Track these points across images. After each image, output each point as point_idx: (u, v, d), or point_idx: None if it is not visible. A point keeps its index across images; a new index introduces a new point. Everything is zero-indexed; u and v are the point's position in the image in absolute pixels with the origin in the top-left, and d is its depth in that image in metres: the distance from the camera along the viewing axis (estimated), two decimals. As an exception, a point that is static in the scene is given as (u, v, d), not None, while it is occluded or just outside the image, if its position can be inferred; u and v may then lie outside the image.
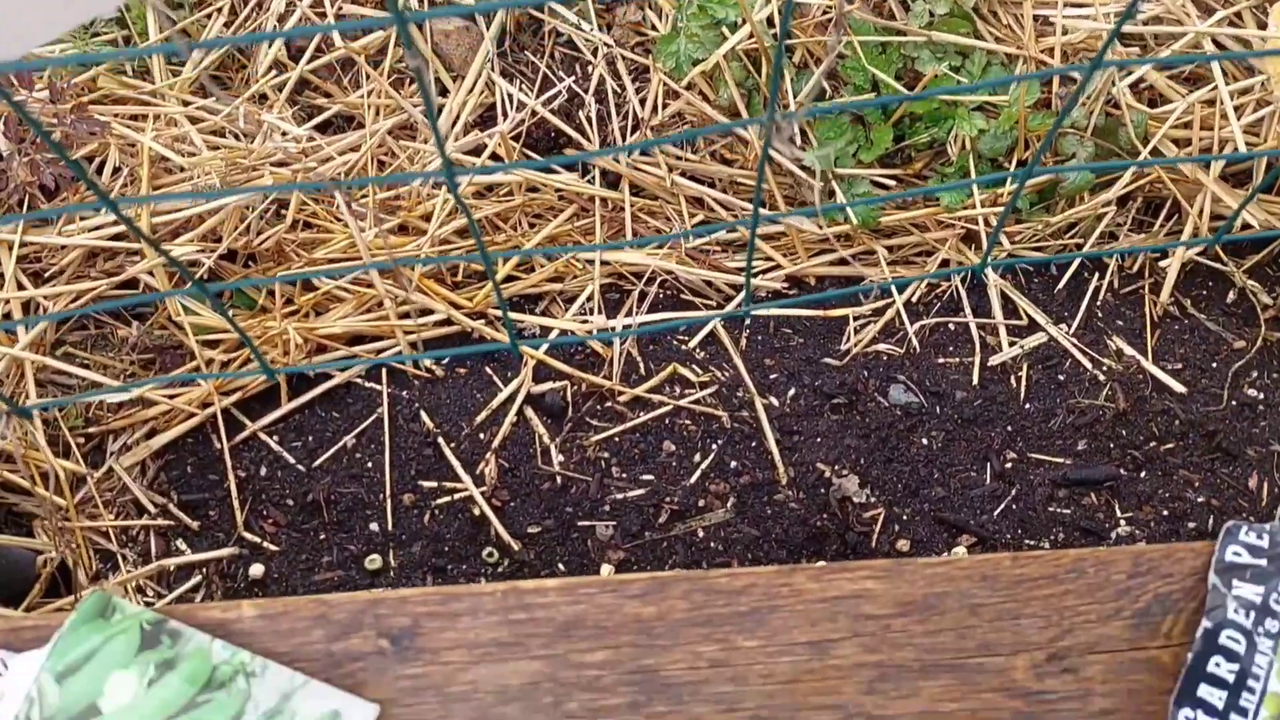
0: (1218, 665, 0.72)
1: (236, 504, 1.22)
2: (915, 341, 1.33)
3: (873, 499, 1.23)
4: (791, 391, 1.31)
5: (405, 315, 1.34)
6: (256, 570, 1.19)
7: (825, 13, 1.40)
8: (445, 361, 1.34)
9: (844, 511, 1.21)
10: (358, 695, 0.73)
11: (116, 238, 1.29)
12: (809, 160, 1.34)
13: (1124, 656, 0.76)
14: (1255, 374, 1.30)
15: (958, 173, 1.36)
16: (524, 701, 0.74)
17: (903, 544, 1.20)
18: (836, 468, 1.25)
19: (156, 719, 0.70)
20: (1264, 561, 0.76)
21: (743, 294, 1.38)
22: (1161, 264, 1.38)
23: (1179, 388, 1.28)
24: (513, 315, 1.37)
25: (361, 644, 0.75)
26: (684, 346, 1.36)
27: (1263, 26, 1.38)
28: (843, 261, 1.42)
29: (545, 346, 1.33)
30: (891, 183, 1.39)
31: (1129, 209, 1.41)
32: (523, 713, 0.74)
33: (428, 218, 1.39)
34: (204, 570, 1.19)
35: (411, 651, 0.75)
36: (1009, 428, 1.28)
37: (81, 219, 1.29)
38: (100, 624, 0.73)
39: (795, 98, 1.40)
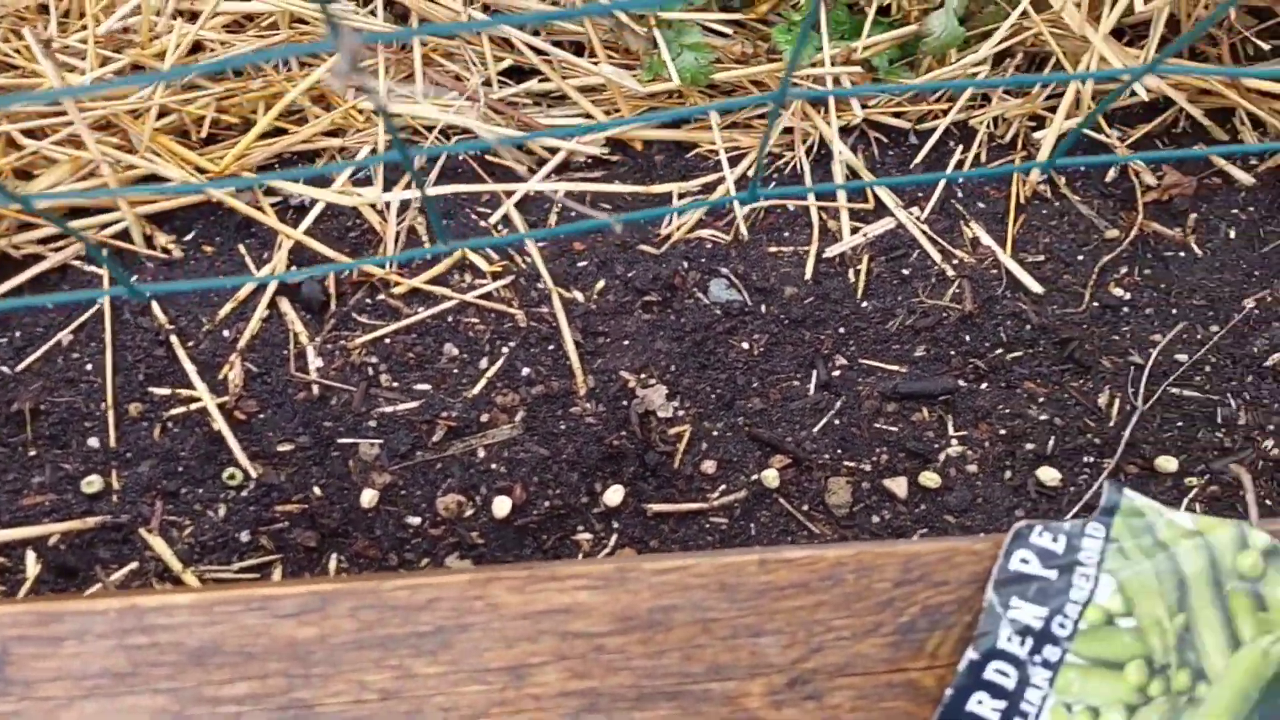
0: (980, 703, 0.61)
1: (-71, 413, 1.03)
2: (744, 227, 1.16)
3: (681, 412, 1.09)
4: (600, 284, 1.14)
5: (137, 182, 1.12)
6: (-46, 492, 1.02)
7: None
8: (190, 237, 1.14)
9: (645, 428, 1.07)
10: (-77, 744, 0.58)
11: None
12: None
13: (879, 680, 0.64)
14: (1125, 269, 1.16)
15: (806, 20, 1.14)
16: (144, 744, 0.60)
17: (709, 465, 1.07)
18: (643, 376, 1.10)
19: None
20: (1053, 574, 0.64)
21: (544, 171, 1.18)
22: (1037, 135, 1.21)
23: (1035, 287, 1.14)
24: (274, 182, 1.16)
25: (-66, 676, 0.60)
26: (483, 223, 1.17)
27: None
28: (675, 124, 1.22)
29: (306, 225, 1.13)
30: (728, 30, 1.18)
31: (1005, 68, 1.22)
32: (142, 758, 0.60)
33: (163, 56, 1.15)
34: (-104, 490, 1.02)
35: (0, 685, 0.60)
36: (841, 330, 1.13)
37: None
38: None
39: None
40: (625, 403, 1.08)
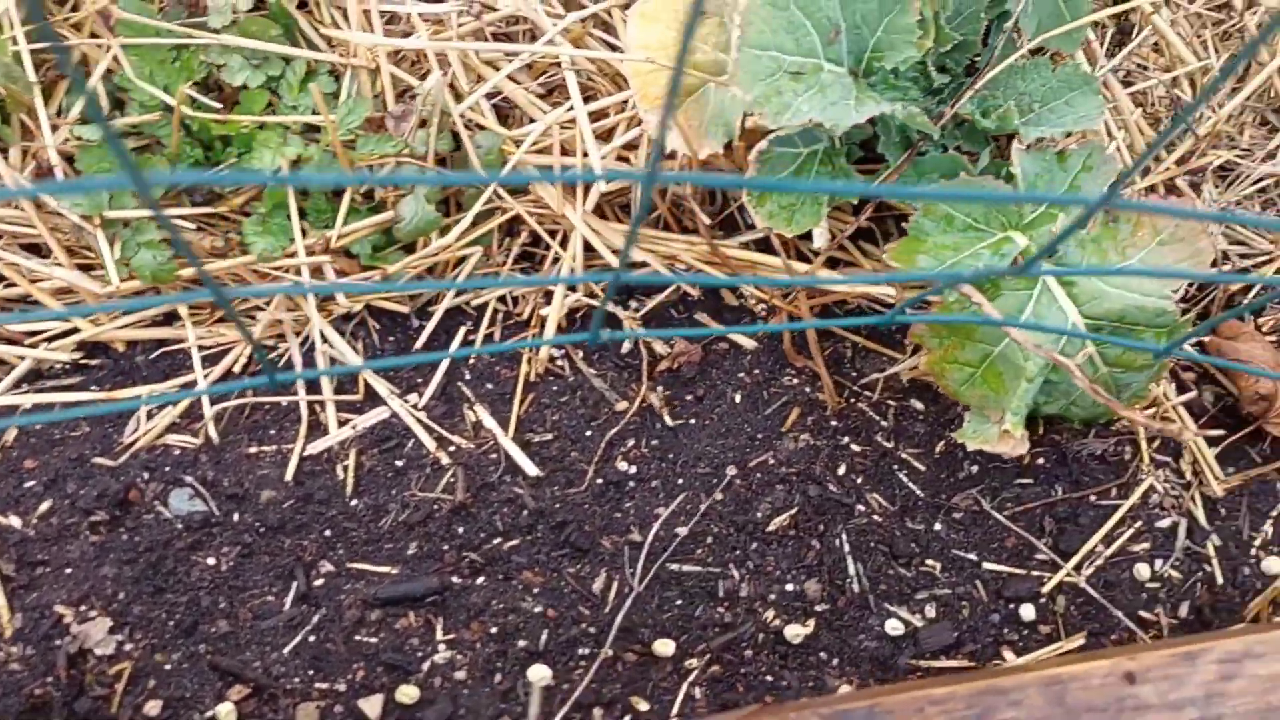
0: None
1: None
2: (214, 430, 1.09)
3: (129, 646, 0.98)
4: (45, 505, 1.04)
5: None
6: None
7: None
8: None
9: (79, 669, 0.96)
10: None
11: None
12: (66, 203, 1.06)
13: None
14: (631, 442, 1.15)
15: (274, 211, 1.11)
16: None
17: (153, 706, 0.96)
18: (82, 608, 0.99)
19: None
20: None
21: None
22: (543, 312, 1.20)
23: (532, 469, 1.11)
24: None
25: None
26: (-78, 446, 1.06)
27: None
28: (159, 321, 1.16)
29: None
30: (191, 225, 1.13)
31: (509, 246, 1.22)
32: None
33: None
34: None
35: None
36: (328, 533, 1.07)
37: None
38: None
39: (62, 117, 1.10)
40: (58, 642, 0.97)
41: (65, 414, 0.51)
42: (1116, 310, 1.02)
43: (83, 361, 1.14)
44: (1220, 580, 1.14)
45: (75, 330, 1.14)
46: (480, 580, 1.07)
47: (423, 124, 1.11)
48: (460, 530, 1.08)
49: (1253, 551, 1.16)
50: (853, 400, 1.20)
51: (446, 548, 1.08)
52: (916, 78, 1.08)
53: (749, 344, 1.22)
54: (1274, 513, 1.18)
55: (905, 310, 0.72)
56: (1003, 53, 1.10)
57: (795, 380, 1.21)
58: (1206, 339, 1.24)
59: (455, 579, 1.06)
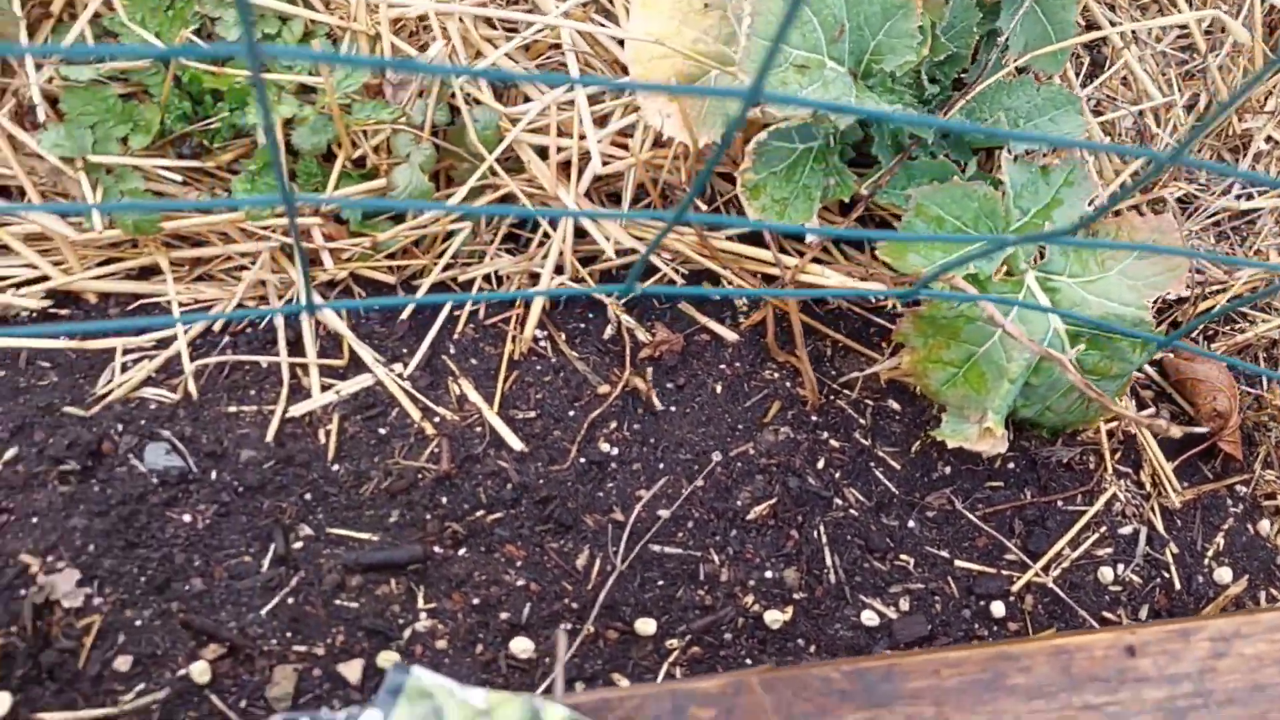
0: None
1: None
2: (193, 385, 1.12)
3: (98, 600, 1.00)
4: (12, 452, 1.05)
5: None
6: None
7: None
8: None
9: (46, 620, 0.97)
10: None
11: None
12: (45, 145, 1.08)
13: None
14: (614, 424, 1.22)
15: (264, 169, 1.15)
16: None
17: (123, 661, 0.98)
18: (49, 559, 1.00)
19: None
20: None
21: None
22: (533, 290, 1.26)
23: (517, 444, 1.17)
24: None
25: None
26: (-125, 386, 1.06)
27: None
28: (137, 274, 1.18)
29: None
30: (177, 178, 1.16)
31: (497, 224, 1.28)
32: None
33: None
34: None
35: None
36: (308, 496, 1.10)
37: None
38: None
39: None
40: (23, 592, 0.98)
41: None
42: (1096, 318, 1.13)
43: (52, 311, 1.16)
44: (1178, 586, 1.25)
45: (45, 278, 1.15)
46: (462, 551, 1.11)
47: (421, 94, 1.17)
48: (444, 500, 1.13)
49: (1205, 561, 1.28)
50: (832, 398, 1.29)
51: (429, 517, 1.12)
52: (911, 84, 1.19)
53: (731, 336, 1.30)
54: (1225, 526, 1.31)
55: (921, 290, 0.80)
56: (992, 69, 1.21)
57: (776, 375, 1.29)
58: (1165, 359, 1.37)
59: (437, 549, 1.11)
